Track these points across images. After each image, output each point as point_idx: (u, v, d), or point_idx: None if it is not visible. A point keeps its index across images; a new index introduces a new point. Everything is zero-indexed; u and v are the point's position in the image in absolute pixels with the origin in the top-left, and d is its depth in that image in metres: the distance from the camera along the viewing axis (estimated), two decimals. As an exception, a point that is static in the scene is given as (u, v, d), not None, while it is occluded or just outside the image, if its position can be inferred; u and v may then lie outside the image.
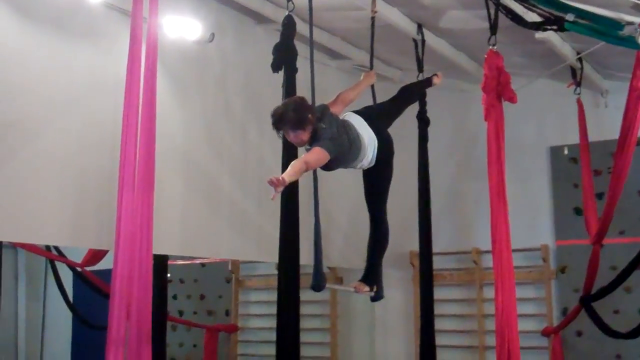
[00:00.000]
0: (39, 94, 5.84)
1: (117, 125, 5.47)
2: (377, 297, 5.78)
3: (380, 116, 5.60)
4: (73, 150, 6.05)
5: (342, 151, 5.03)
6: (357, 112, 5.49)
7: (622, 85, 7.35)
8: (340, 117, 5.33)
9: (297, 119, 4.87)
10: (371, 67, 6.26)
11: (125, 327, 5.19)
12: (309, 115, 4.93)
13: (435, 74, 6.57)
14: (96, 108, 6.22)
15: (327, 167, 5.09)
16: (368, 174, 5.56)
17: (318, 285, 5.19)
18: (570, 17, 6.08)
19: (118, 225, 5.26)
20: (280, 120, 4.89)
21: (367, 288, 5.65)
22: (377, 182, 5.58)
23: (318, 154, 4.85)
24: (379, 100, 5.97)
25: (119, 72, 5.64)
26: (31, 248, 8.96)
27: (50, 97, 5.92)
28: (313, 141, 4.93)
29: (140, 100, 5.39)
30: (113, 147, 5.61)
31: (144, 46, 5.47)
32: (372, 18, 6.53)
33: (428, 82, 6.52)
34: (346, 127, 5.17)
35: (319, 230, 5.22)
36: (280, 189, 4.40)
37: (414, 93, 6.67)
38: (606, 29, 6.18)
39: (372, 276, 5.69)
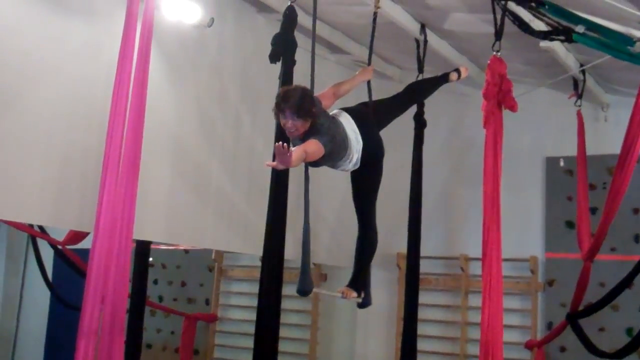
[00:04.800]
0: (28, 67, 5.67)
1: (106, 105, 5.35)
2: (364, 303, 5.62)
3: (376, 115, 5.45)
4: (60, 128, 5.88)
5: (334, 149, 4.88)
6: (347, 109, 5.32)
7: (623, 100, 7.25)
8: (330, 113, 5.19)
9: (303, 107, 4.70)
10: (369, 63, 6.12)
11: (99, 311, 5.06)
12: (313, 109, 4.78)
13: (457, 69, 6.39)
14: (87, 86, 6.05)
15: (315, 163, 4.93)
16: (355, 176, 5.39)
17: (304, 290, 4.97)
18: (580, 29, 5.96)
19: (99, 207, 5.11)
20: (285, 100, 4.70)
21: (354, 294, 5.47)
22: (364, 184, 5.40)
23: (316, 146, 4.67)
24: (375, 98, 5.82)
25: (112, 51, 5.49)
26: (13, 223, 8.79)
27: (40, 71, 5.75)
28: (308, 135, 4.75)
29: (132, 81, 5.24)
30: (101, 127, 5.48)
31: (139, 26, 5.32)
32: (375, 13, 6.40)
33: (444, 78, 6.28)
34: (336, 124, 5.03)
35: (308, 233, 4.99)
36: (281, 166, 4.33)
37: (425, 90, 6.46)
38: (616, 44, 6.03)
39: (359, 282, 5.52)
